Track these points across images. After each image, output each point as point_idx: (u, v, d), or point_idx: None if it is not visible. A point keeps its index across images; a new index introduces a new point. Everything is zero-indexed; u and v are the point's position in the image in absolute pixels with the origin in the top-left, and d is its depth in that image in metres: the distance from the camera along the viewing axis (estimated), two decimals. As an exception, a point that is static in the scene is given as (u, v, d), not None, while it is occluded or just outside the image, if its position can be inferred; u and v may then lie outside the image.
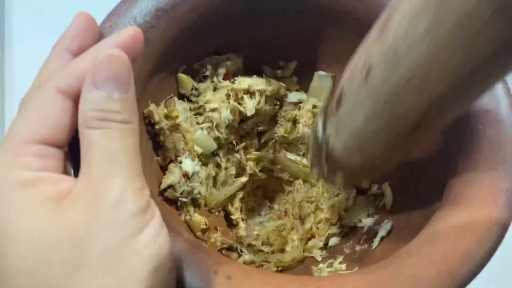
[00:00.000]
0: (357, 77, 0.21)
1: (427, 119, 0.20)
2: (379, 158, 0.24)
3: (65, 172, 0.20)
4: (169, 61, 0.31)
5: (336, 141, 0.24)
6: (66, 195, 0.18)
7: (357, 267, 0.31)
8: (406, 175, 0.34)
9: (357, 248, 0.33)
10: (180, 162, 0.32)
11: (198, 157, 0.33)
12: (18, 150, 0.19)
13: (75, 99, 0.19)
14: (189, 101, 0.34)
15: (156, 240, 0.18)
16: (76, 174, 0.20)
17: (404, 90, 0.19)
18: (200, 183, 0.33)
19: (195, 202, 0.33)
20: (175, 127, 0.32)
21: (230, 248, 0.33)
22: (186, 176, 0.31)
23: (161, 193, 0.31)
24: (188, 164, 0.32)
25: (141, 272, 0.18)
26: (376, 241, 0.32)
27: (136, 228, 0.18)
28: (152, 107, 0.30)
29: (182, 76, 0.33)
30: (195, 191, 0.32)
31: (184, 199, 0.32)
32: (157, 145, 0.32)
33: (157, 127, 0.31)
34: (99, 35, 0.24)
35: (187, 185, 0.32)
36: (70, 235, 0.17)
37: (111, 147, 0.18)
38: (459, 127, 0.27)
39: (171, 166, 0.32)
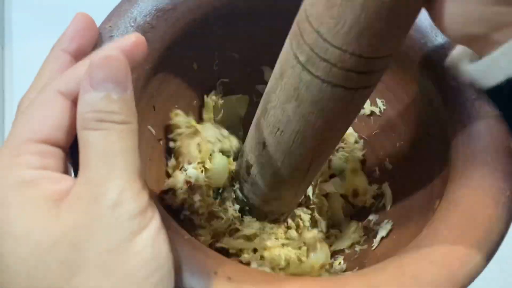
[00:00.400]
0: (257, 149, 0.28)
1: (315, 162, 0.28)
2: (291, 196, 0.32)
3: (66, 171, 0.20)
4: (169, 61, 0.31)
5: (254, 197, 0.32)
6: (65, 195, 0.18)
7: (357, 268, 0.31)
8: (405, 175, 0.34)
9: (357, 248, 0.33)
10: (186, 170, 0.32)
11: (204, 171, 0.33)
12: (19, 149, 0.19)
13: (76, 101, 0.19)
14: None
15: (155, 241, 0.18)
16: (76, 175, 0.20)
17: (291, 151, 0.26)
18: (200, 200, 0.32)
19: (192, 222, 0.33)
20: (195, 133, 0.32)
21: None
22: (189, 183, 0.31)
23: (161, 198, 0.31)
24: (193, 173, 0.32)
25: (140, 274, 0.18)
26: (376, 241, 0.32)
27: (135, 229, 0.18)
28: (178, 111, 0.32)
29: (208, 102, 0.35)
30: (196, 205, 0.32)
31: (185, 213, 0.32)
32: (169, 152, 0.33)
33: (177, 131, 0.32)
34: (98, 36, 0.24)
35: (189, 196, 0.32)
36: (69, 237, 0.17)
37: (110, 148, 0.18)
38: (459, 128, 0.27)
39: (177, 171, 0.32)
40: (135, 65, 0.20)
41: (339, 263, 0.32)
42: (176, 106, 0.34)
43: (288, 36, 0.24)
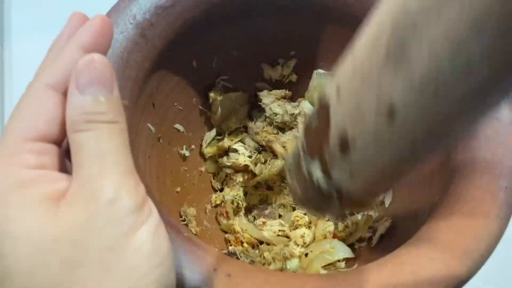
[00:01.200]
0: (372, 118, 0.17)
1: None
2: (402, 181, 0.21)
3: (63, 168, 0.20)
4: (168, 59, 0.31)
5: (353, 186, 0.21)
6: (63, 194, 0.18)
7: (356, 265, 0.31)
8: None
9: (356, 246, 0.33)
10: None
11: None
12: (15, 148, 0.19)
13: (66, 92, 0.19)
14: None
15: (154, 237, 0.18)
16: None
17: (449, 123, 0.16)
18: None
19: None
20: None
21: (228, 255, 0.33)
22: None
23: None
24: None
25: (140, 270, 0.18)
26: (375, 238, 0.32)
27: (133, 226, 0.18)
28: None
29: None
30: None
31: None
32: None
33: None
34: None
35: None
36: (68, 235, 0.17)
37: (101, 146, 0.18)
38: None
39: None
40: (109, 46, 0.20)
41: (338, 260, 0.33)
42: (176, 103, 0.34)
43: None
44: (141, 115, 0.30)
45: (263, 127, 0.38)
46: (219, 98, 0.36)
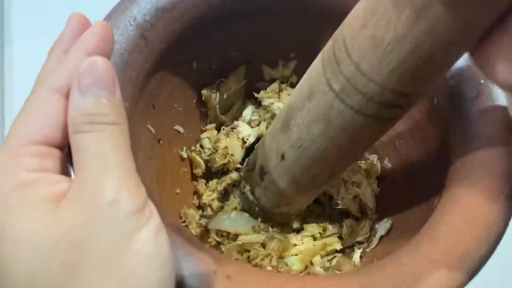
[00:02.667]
0: (274, 159, 0.29)
1: (333, 175, 0.30)
2: (304, 202, 0.33)
3: (65, 172, 0.20)
4: (169, 60, 0.31)
5: (266, 200, 0.32)
6: (64, 196, 0.18)
7: (356, 267, 0.31)
8: (405, 174, 0.34)
9: (356, 247, 0.33)
10: None
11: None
12: (18, 151, 0.19)
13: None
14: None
15: (155, 238, 0.18)
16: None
17: (311, 167, 0.27)
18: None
19: None
20: None
21: None
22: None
23: None
24: None
25: (141, 272, 0.18)
26: (375, 240, 0.32)
27: (134, 227, 0.18)
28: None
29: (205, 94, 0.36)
30: None
31: None
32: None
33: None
34: None
35: None
36: (68, 237, 0.17)
37: (103, 148, 0.18)
38: (459, 126, 0.27)
39: None
40: (111, 49, 0.21)
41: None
42: (176, 105, 0.34)
43: (320, 58, 0.24)
44: (141, 117, 0.30)
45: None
46: (213, 95, 0.36)
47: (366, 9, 0.21)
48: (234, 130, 0.37)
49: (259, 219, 0.34)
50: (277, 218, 0.34)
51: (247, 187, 0.33)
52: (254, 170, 0.32)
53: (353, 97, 0.22)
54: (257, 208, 0.33)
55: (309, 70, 0.26)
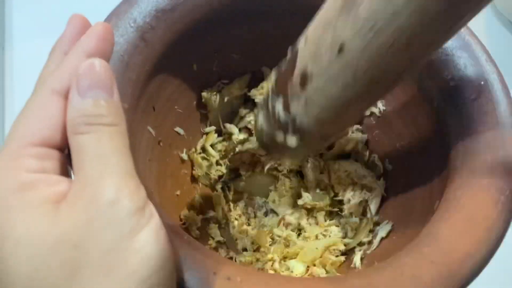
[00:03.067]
0: (326, 55, 0.22)
1: (400, 78, 0.23)
2: (348, 124, 0.28)
3: (65, 173, 0.20)
4: (169, 62, 0.31)
5: (306, 117, 0.25)
6: (64, 197, 0.18)
7: (357, 269, 0.31)
8: (405, 175, 0.34)
9: (357, 249, 0.33)
10: None
11: None
12: (18, 152, 0.19)
13: None
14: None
15: (155, 240, 0.18)
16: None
17: (385, 56, 0.21)
18: None
19: None
20: None
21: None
22: None
23: None
24: None
25: (142, 272, 0.18)
26: (376, 241, 0.32)
27: (134, 228, 0.18)
28: None
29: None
30: None
31: None
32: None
33: None
34: None
35: None
36: (68, 237, 0.17)
37: (102, 149, 0.18)
38: (459, 127, 0.27)
39: None
40: (111, 50, 0.21)
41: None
42: (176, 107, 0.34)
43: None
44: (141, 118, 0.30)
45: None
46: (213, 97, 0.36)
47: None
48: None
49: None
50: (318, 147, 0.29)
51: (279, 102, 0.26)
52: (291, 77, 0.25)
53: None
54: (292, 132, 0.27)
55: None
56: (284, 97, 0.26)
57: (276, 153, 0.30)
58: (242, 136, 0.38)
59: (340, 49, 0.21)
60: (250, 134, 0.37)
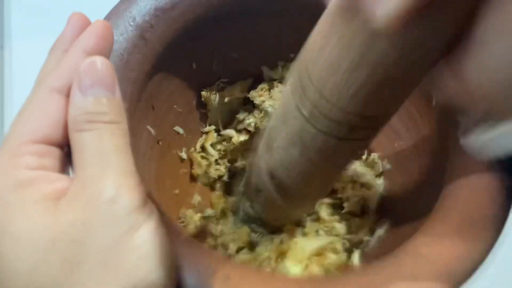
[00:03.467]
0: (264, 179, 0.29)
1: (323, 189, 0.30)
2: (300, 212, 0.34)
3: (64, 171, 0.20)
4: (168, 61, 0.31)
5: (265, 215, 0.33)
6: (63, 194, 0.18)
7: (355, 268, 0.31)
8: (404, 175, 0.34)
9: (355, 249, 0.33)
10: None
11: None
12: (17, 149, 0.19)
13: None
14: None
15: (154, 238, 0.18)
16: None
17: (299, 184, 0.27)
18: None
19: None
20: None
21: None
22: None
23: None
24: None
25: (140, 270, 0.18)
26: (374, 240, 0.32)
27: (133, 225, 0.18)
28: None
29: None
30: None
31: None
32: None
33: None
34: None
35: None
36: (68, 234, 0.17)
37: (103, 146, 0.19)
38: (457, 127, 0.27)
39: None
40: (111, 48, 0.21)
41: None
42: (175, 106, 0.34)
43: (289, 84, 0.24)
44: (140, 117, 0.30)
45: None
46: (213, 97, 0.36)
47: (321, 33, 0.21)
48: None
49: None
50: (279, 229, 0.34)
51: (247, 203, 0.34)
52: (250, 187, 0.32)
53: (322, 122, 0.22)
54: (259, 223, 0.34)
55: (282, 94, 0.27)
56: (250, 200, 0.33)
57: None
58: (242, 138, 0.38)
59: (271, 176, 0.28)
60: (250, 136, 0.37)
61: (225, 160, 0.38)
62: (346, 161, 0.27)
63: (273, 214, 0.33)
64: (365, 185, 0.35)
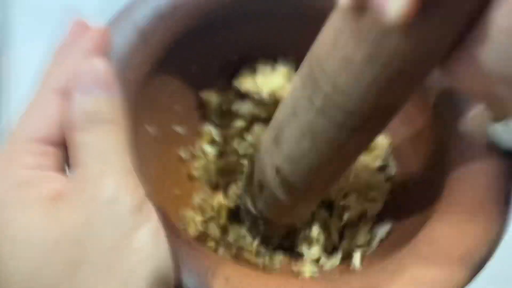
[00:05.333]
0: (270, 173, 0.29)
1: (329, 184, 0.30)
2: (304, 211, 0.33)
3: (62, 170, 0.20)
4: (168, 63, 0.31)
5: (268, 212, 0.32)
6: (62, 194, 0.18)
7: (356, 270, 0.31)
8: (405, 176, 0.34)
9: (356, 250, 0.33)
10: None
11: None
12: (17, 150, 0.19)
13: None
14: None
15: (154, 239, 0.18)
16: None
17: (306, 178, 0.27)
18: None
19: None
20: None
21: None
22: None
23: None
24: None
25: (142, 270, 0.18)
26: (375, 242, 0.32)
27: (133, 225, 0.18)
28: None
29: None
30: None
31: None
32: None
33: None
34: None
35: None
36: (69, 235, 0.17)
37: (102, 146, 0.19)
38: (457, 128, 0.27)
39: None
40: (108, 55, 0.21)
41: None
42: (175, 107, 0.34)
43: (300, 76, 0.24)
44: (140, 118, 0.30)
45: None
46: (213, 97, 0.36)
47: (334, 28, 0.21)
48: None
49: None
50: (282, 232, 0.34)
51: (249, 201, 0.33)
52: (252, 183, 0.32)
53: (334, 113, 0.22)
54: (261, 222, 0.33)
55: (291, 86, 0.26)
56: (251, 198, 0.33)
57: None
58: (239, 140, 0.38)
59: (277, 171, 0.28)
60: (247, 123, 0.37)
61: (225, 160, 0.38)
62: (355, 153, 0.27)
63: (276, 212, 0.32)
64: (373, 199, 0.35)
